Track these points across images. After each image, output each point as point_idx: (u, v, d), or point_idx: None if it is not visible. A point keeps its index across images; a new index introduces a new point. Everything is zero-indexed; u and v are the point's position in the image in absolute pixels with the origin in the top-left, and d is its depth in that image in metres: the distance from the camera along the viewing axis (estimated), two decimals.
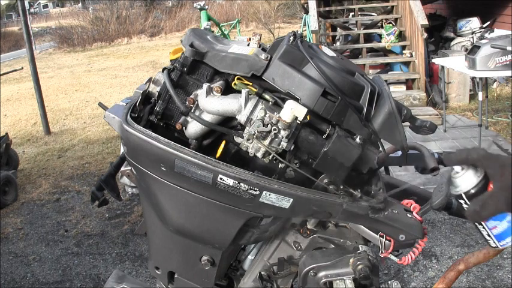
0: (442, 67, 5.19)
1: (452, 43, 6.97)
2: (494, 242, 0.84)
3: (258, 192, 0.80)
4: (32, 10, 35.65)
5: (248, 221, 0.89)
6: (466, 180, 0.79)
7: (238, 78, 0.87)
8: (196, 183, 0.82)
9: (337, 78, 0.84)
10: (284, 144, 0.81)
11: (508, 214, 0.79)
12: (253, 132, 0.80)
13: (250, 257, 1.16)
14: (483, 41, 4.50)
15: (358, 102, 0.85)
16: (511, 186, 0.72)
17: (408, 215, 0.89)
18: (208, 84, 0.87)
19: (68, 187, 4.36)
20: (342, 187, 0.84)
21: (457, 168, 0.79)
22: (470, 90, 5.91)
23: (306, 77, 0.83)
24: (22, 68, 6.00)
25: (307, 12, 7.77)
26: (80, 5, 32.25)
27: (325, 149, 0.80)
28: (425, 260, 2.77)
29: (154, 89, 0.96)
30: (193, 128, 0.88)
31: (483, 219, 0.78)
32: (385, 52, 6.96)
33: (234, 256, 1.17)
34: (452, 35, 7.12)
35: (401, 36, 6.84)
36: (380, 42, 7.03)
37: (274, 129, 0.80)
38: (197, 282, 1.06)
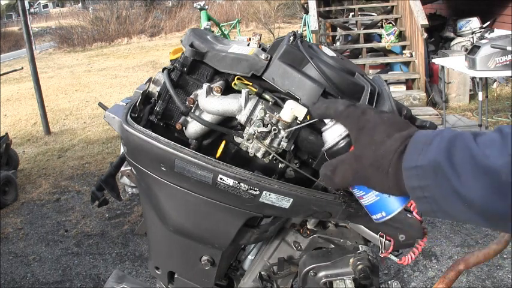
0: (442, 67, 5.19)
1: (452, 43, 6.97)
2: (368, 213, 0.71)
3: (258, 192, 0.80)
4: (32, 10, 35.65)
5: (248, 221, 0.89)
6: (330, 135, 0.68)
7: (238, 78, 0.87)
8: (196, 183, 0.82)
9: (337, 78, 0.84)
10: (284, 144, 0.81)
11: None
12: (253, 132, 0.80)
13: (250, 257, 1.16)
14: (483, 41, 4.51)
15: (358, 102, 0.85)
16: (363, 155, 0.59)
17: (408, 215, 0.89)
18: (208, 84, 0.87)
19: (68, 187, 4.36)
20: None
21: (326, 119, 0.69)
22: (470, 90, 5.91)
23: (306, 77, 0.83)
24: (22, 68, 6.00)
25: (307, 12, 7.77)
26: (80, 5, 32.25)
27: (325, 149, 0.80)
28: (425, 260, 2.77)
29: (154, 89, 0.96)
30: (193, 128, 0.88)
31: (335, 186, 0.65)
32: (385, 52, 6.96)
33: (234, 256, 1.17)
34: (452, 35, 7.12)
35: (401, 36, 6.84)
36: (380, 42, 7.03)
37: (274, 129, 0.80)
38: (197, 282, 1.06)
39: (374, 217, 0.68)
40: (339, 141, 0.66)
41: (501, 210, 0.47)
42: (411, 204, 0.91)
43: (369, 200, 0.66)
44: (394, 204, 0.64)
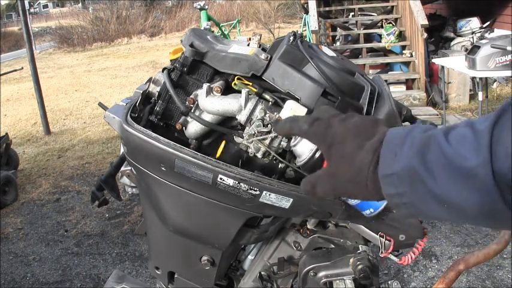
0: (442, 67, 5.19)
1: (452, 43, 6.97)
2: (359, 210, 0.74)
3: (258, 192, 0.80)
4: (32, 10, 35.65)
5: (248, 221, 0.89)
6: (301, 150, 0.68)
7: (238, 78, 0.87)
8: (196, 183, 0.82)
9: (337, 78, 0.84)
10: (284, 144, 0.81)
11: None
12: (253, 132, 0.80)
13: (250, 257, 1.16)
14: (483, 41, 4.50)
15: (358, 102, 0.85)
16: (337, 172, 0.58)
17: None
18: (208, 84, 0.87)
19: (68, 187, 4.36)
20: None
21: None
22: (470, 90, 5.91)
23: (306, 77, 0.83)
24: (22, 68, 5.99)
25: (307, 12, 7.77)
26: (80, 5, 32.26)
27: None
28: (425, 260, 2.77)
29: (154, 89, 0.96)
30: (193, 128, 0.88)
31: (319, 199, 0.67)
32: (385, 52, 6.96)
33: (234, 256, 1.17)
34: (452, 35, 7.12)
35: (401, 36, 6.84)
36: (380, 42, 7.03)
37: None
38: (197, 282, 1.06)
39: (364, 213, 0.73)
40: (313, 155, 0.66)
41: (482, 209, 0.46)
42: None
43: (355, 201, 0.72)
44: (379, 201, 0.69)
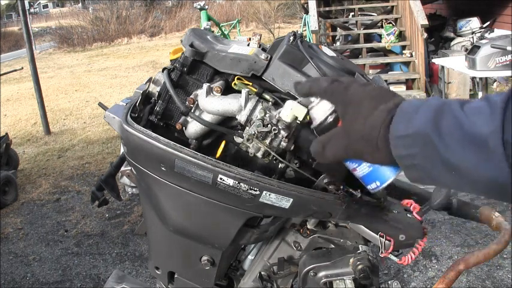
0: (442, 67, 5.20)
1: (452, 43, 6.97)
2: (364, 184, 0.72)
3: (258, 192, 0.80)
4: (32, 10, 35.65)
5: (248, 221, 0.89)
6: (318, 112, 0.69)
7: (238, 78, 0.87)
8: (196, 183, 0.82)
9: None
10: (284, 144, 0.81)
11: None
12: (253, 132, 0.80)
13: (250, 257, 1.16)
14: (483, 41, 4.51)
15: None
16: (351, 130, 0.59)
17: (408, 215, 0.89)
18: (208, 84, 0.87)
19: (68, 187, 4.36)
20: (342, 187, 0.84)
21: (312, 97, 0.70)
22: (470, 90, 5.91)
23: (306, 77, 0.83)
24: (22, 68, 5.99)
25: (307, 12, 7.77)
26: (80, 5, 32.25)
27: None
28: (425, 260, 2.77)
29: (154, 89, 0.96)
30: (193, 128, 0.88)
31: (327, 161, 0.66)
32: (385, 52, 6.96)
33: (234, 256, 1.17)
34: (452, 35, 7.12)
35: (401, 36, 6.84)
36: (380, 42, 7.03)
37: (274, 129, 0.80)
38: (197, 282, 1.06)
39: (369, 187, 0.70)
40: (327, 117, 0.67)
41: (490, 178, 0.47)
42: (411, 204, 0.91)
43: (362, 171, 0.67)
44: (387, 173, 0.65)
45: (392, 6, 7.48)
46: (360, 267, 0.92)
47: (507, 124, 0.44)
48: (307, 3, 7.15)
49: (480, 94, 4.34)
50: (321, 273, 0.96)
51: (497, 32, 6.33)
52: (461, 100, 0.51)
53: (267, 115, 0.81)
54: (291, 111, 0.78)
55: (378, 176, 0.66)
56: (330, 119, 0.67)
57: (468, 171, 0.48)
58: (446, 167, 0.50)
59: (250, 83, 0.87)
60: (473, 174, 0.48)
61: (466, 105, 0.49)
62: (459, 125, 0.48)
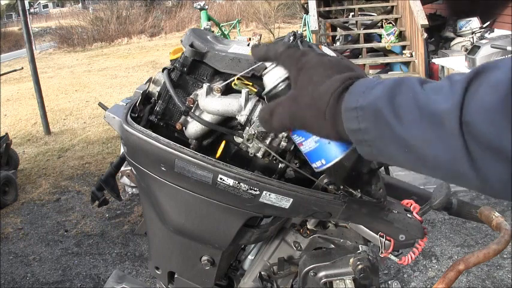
0: (442, 67, 5.20)
1: (452, 43, 6.97)
2: (309, 162, 0.67)
3: (258, 192, 0.80)
4: (32, 10, 35.65)
5: (248, 221, 0.89)
6: (270, 78, 0.66)
7: (238, 78, 0.87)
8: (196, 183, 0.82)
9: None
10: (284, 144, 0.81)
11: None
12: (253, 132, 0.80)
13: (250, 257, 1.16)
14: (483, 41, 4.51)
15: None
16: (300, 96, 0.56)
17: (408, 215, 0.89)
18: (208, 84, 0.87)
19: (68, 187, 4.36)
20: (342, 187, 0.84)
21: (267, 63, 0.67)
22: None
23: None
24: (22, 68, 5.99)
25: (307, 12, 7.77)
26: (80, 5, 32.26)
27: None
28: (425, 260, 2.77)
29: (154, 89, 0.96)
30: (193, 128, 0.88)
31: (273, 130, 0.62)
32: (385, 52, 6.96)
33: (234, 256, 1.17)
34: (452, 35, 7.12)
35: (401, 36, 6.84)
36: (380, 42, 7.04)
37: None
38: (197, 282, 1.06)
39: (314, 165, 0.66)
40: (278, 83, 0.65)
41: (442, 158, 0.44)
42: (411, 204, 0.91)
43: (309, 146, 0.64)
44: (334, 152, 0.62)
45: (392, 6, 7.49)
46: (360, 267, 0.92)
47: (467, 104, 0.41)
48: (307, 3, 7.16)
49: None
50: (321, 273, 0.96)
51: (497, 32, 6.33)
52: (423, 78, 0.48)
53: None
54: None
55: (324, 153, 0.63)
56: (282, 86, 0.65)
57: (421, 150, 0.45)
58: (399, 144, 0.47)
59: (250, 83, 0.87)
60: (426, 154, 0.45)
61: (427, 84, 0.47)
62: (415, 101, 0.45)
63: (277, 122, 0.60)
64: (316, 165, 0.65)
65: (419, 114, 0.45)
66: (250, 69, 0.81)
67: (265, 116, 0.61)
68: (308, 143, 0.64)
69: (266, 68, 0.68)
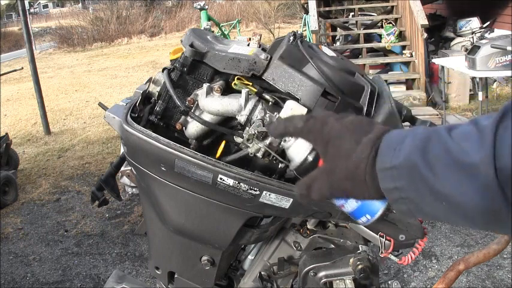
0: (442, 67, 5.19)
1: (452, 43, 6.97)
2: (354, 219, 0.69)
3: (258, 192, 0.80)
4: (32, 10, 35.64)
5: (248, 221, 0.89)
6: (296, 152, 0.66)
7: (238, 78, 0.87)
8: (196, 183, 0.82)
9: (337, 78, 0.84)
10: (284, 144, 0.81)
11: None
12: (253, 132, 0.80)
13: (250, 257, 1.16)
14: (483, 41, 4.51)
15: (358, 102, 0.85)
16: (335, 169, 0.56)
17: None
18: (208, 84, 0.87)
19: (68, 187, 4.36)
20: None
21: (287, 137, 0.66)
22: (470, 90, 5.91)
23: (306, 77, 0.83)
24: (22, 68, 5.99)
25: (307, 12, 7.77)
26: (80, 5, 32.24)
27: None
28: (425, 260, 2.77)
29: (154, 89, 0.96)
30: (193, 128, 0.88)
31: (315, 201, 0.63)
32: (385, 52, 6.96)
33: (234, 256, 1.17)
34: (452, 35, 7.12)
35: (401, 36, 6.84)
36: (380, 42, 7.03)
37: None
38: (197, 282, 1.06)
39: (360, 221, 0.67)
40: (306, 157, 0.64)
41: (480, 207, 0.44)
42: None
43: (351, 207, 0.65)
44: (376, 206, 0.63)
45: (392, 6, 7.48)
46: (360, 267, 0.92)
47: (499, 150, 0.42)
48: (307, 3, 7.16)
49: (480, 94, 4.33)
50: (321, 273, 0.96)
51: (497, 32, 6.33)
52: (449, 125, 0.49)
53: (267, 115, 0.81)
54: (291, 111, 0.78)
55: (367, 209, 0.64)
56: (310, 158, 0.64)
57: (459, 200, 0.45)
58: (436, 197, 0.47)
59: (250, 83, 0.87)
60: (465, 204, 0.45)
61: (454, 131, 0.47)
62: (447, 153, 0.45)
63: (316, 196, 0.60)
64: (362, 220, 0.66)
65: (453, 166, 0.45)
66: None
67: (302, 191, 0.60)
68: (349, 205, 0.64)
69: (286, 140, 0.67)
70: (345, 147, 0.55)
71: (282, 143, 0.78)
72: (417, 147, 0.48)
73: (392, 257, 0.93)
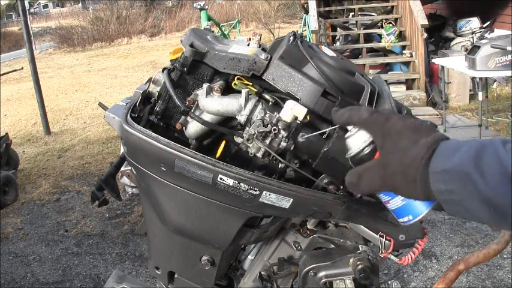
0: (442, 67, 5.20)
1: (452, 43, 6.97)
2: (395, 218, 0.71)
3: (258, 192, 0.80)
4: (32, 10, 35.63)
5: (248, 221, 0.89)
6: (355, 142, 0.67)
7: (238, 78, 0.87)
8: (196, 183, 0.82)
9: (337, 78, 0.84)
10: (284, 144, 0.81)
11: None
12: (253, 132, 0.80)
13: (250, 257, 1.16)
14: (483, 41, 4.51)
15: (358, 102, 0.85)
16: (389, 162, 0.59)
17: None
18: (208, 84, 0.87)
19: (68, 187, 4.36)
20: (342, 187, 0.84)
21: (350, 126, 0.69)
22: (470, 90, 5.91)
23: (306, 77, 0.83)
24: (22, 68, 5.98)
25: (307, 12, 7.77)
26: (80, 5, 32.24)
27: (325, 149, 0.80)
28: (425, 260, 2.77)
29: (154, 89, 0.96)
30: (193, 128, 0.88)
31: (361, 192, 0.66)
32: (385, 52, 6.96)
33: (234, 256, 1.17)
34: (452, 35, 7.12)
35: (401, 36, 6.84)
36: (380, 42, 7.03)
37: (274, 129, 0.80)
38: (197, 282, 1.06)
39: (401, 220, 0.69)
40: (364, 148, 0.66)
41: None
42: None
43: (396, 204, 0.67)
44: (420, 208, 0.65)
45: (392, 6, 7.48)
46: (360, 267, 0.92)
47: None
48: (307, 3, 7.16)
49: (480, 94, 4.33)
50: (321, 273, 0.96)
51: (497, 32, 6.32)
52: (504, 139, 0.52)
53: (267, 115, 0.81)
54: (291, 111, 0.78)
55: (411, 210, 0.65)
56: (367, 150, 0.65)
57: (506, 208, 0.48)
58: (486, 204, 0.50)
59: (250, 83, 0.87)
60: (510, 213, 0.48)
61: (509, 144, 0.50)
62: (500, 163, 0.48)
63: (366, 186, 0.63)
64: (403, 220, 0.68)
65: (504, 175, 0.48)
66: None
67: (353, 180, 0.64)
68: (395, 201, 0.66)
69: (349, 130, 0.69)
70: (402, 144, 0.58)
71: (289, 141, 0.79)
72: (472, 155, 0.51)
73: (392, 257, 0.93)
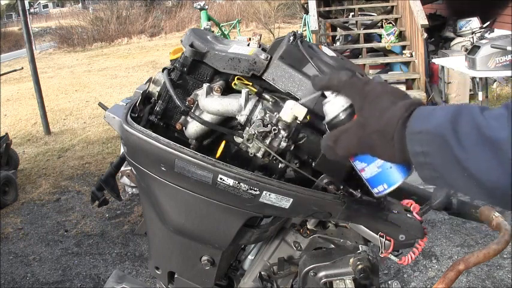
0: (442, 67, 5.20)
1: (452, 43, 6.97)
2: (369, 187, 0.69)
3: (258, 192, 0.80)
4: (32, 10, 35.63)
5: (248, 221, 0.89)
6: (332, 107, 0.67)
7: (238, 78, 0.87)
8: (196, 183, 0.82)
9: None
10: (284, 144, 0.81)
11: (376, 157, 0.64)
12: (253, 132, 0.80)
13: (250, 257, 1.16)
14: (483, 41, 4.51)
15: None
16: (367, 123, 0.59)
17: (408, 215, 0.89)
18: (208, 84, 0.87)
19: (68, 187, 4.36)
20: (342, 187, 0.84)
21: (328, 92, 0.68)
22: (470, 90, 5.91)
23: (306, 77, 0.83)
24: (22, 68, 5.99)
25: (307, 12, 7.77)
26: (80, 5, 32.23)
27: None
28: (425, 260, 2.77)
29: (154, 89, 0.96)
30: (193, 128, 0.88)
31: (338, 157, 0.64)
32: (385, 52, 6.95)
33: (234, 256, 1.17)
34: (452, 35, 7.12)
35: (401, 36, 6.84)
36: (380, 42, 7.03)
37: (274, 129, 0.80)
38: (197, 282, 1.06)
39: (375, 190, 0.68)
40: (340, 112, 0.66)
41: (501, 184, 0.47)
42: (411, 204, 0.91)
43: (370, 172, 0.66)
44: (395, 176, 0.64)
45: (392, 6, 7.48)
46: (360, 267, 0.92)
47: None
48: (307, 3, 7.16)
49: (480, 94, 4.34)
50: (321, 273, 0.96)
51: (497, 32, 6.33)
52: (483, 106, 0.51)
53: (267, 115, 0.81)
54: (291, 111, 0.78)
55: (386, 178, 0.65)
56: (343, 115, 0.66)
57: (480, 174, 0.48)
58: (459, 167, 0.49)
59: (250, 83, 0.87)
60: (486, 178, 0.47)
61: (487, 111, 0.50)
62: (476, 127, 0.48)
63: (342, 149, 0.63)
64: (378, 189, 0.67)
65: (480, 140, 0.47)
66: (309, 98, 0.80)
67: (329, 143, 0.63)
68: (370, 169, 0.66)
69: (327, 97, 0.69)
70: (381, 105, 0.59)
71: (289, 141, 0.79)
72: (448, 117, 0.51)
73: (392, 257, 0.93)
